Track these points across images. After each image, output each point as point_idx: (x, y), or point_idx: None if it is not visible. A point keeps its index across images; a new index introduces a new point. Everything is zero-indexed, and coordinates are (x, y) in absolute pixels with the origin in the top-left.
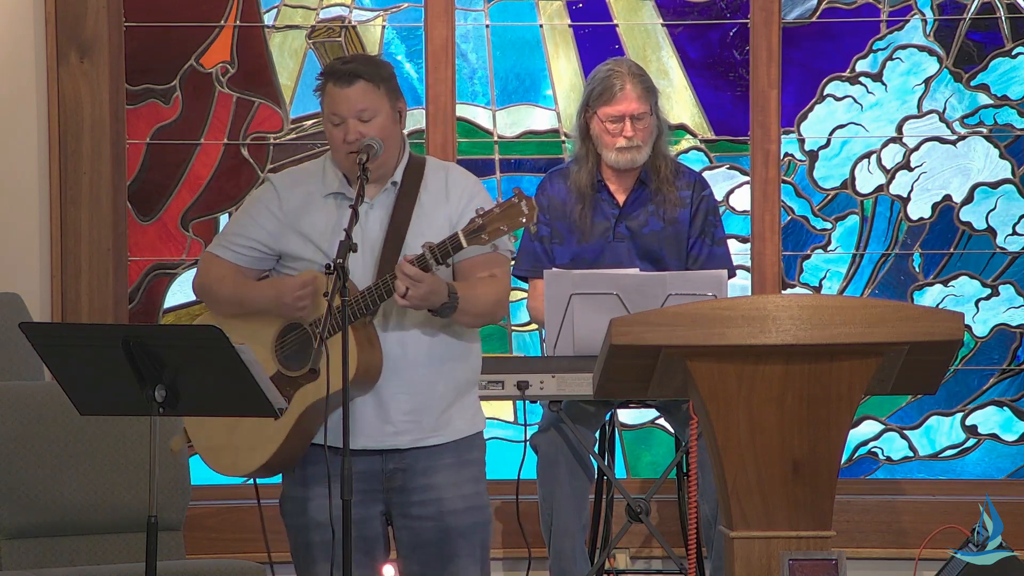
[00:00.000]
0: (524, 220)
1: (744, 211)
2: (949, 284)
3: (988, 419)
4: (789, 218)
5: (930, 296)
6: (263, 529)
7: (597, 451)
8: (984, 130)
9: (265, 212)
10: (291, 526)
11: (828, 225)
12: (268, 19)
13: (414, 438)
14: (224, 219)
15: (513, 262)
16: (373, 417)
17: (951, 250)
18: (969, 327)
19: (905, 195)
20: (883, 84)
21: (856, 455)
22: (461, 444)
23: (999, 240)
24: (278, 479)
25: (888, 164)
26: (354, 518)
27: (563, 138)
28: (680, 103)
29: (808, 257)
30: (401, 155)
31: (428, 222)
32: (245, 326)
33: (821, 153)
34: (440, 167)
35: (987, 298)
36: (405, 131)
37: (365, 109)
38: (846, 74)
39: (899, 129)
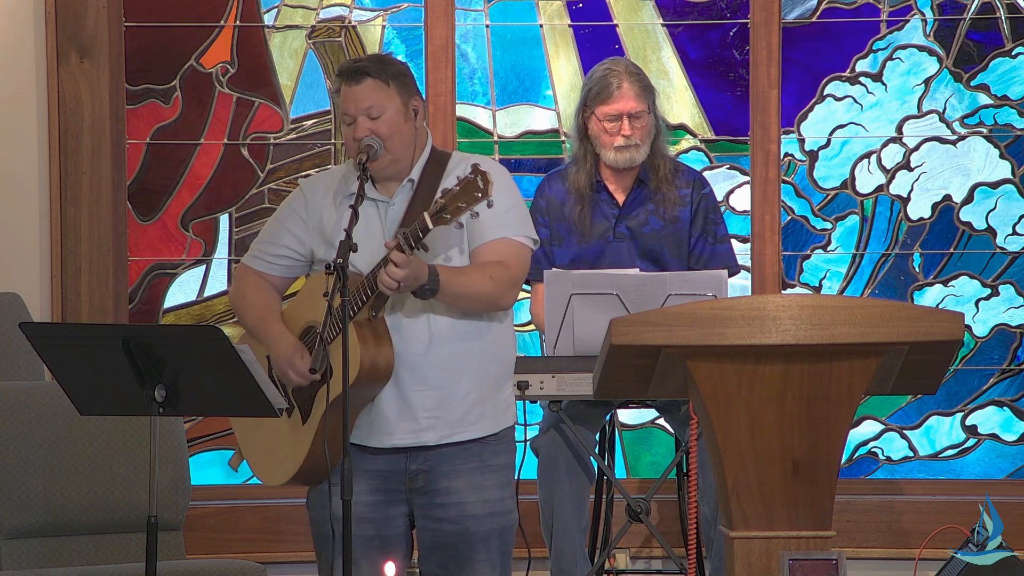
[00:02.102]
0: (480, 195)
1: (744, 211)
2: (949, 284)
3: (988, 419)
4: (789, 218)
5: (930, 296)
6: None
7: (597, 451)
8: (984, 130)
9: (294, 217)
10: (314, 517)
11: (828, 225)
12: (268, 19)
13: (440, 435)
14: (224, 219)
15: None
16: (397, 415)
17: (951, 250)
18: (969, 327)
19: (905, 195)
20: (883, 84)
21: (856, 455)
22: (487, 445)
23: (999, 240)
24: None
25: (888, 164)
26: (373, 517)
27: (563, 138)
28: (680, 103)
29: (808, 257)
30: (420, 152)
31: None
32: None
33: (821, 153)
34: (463, 159)
35: (987, 298)
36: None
37: (372, 106)
38: (846, 74)
39: (899, 129)
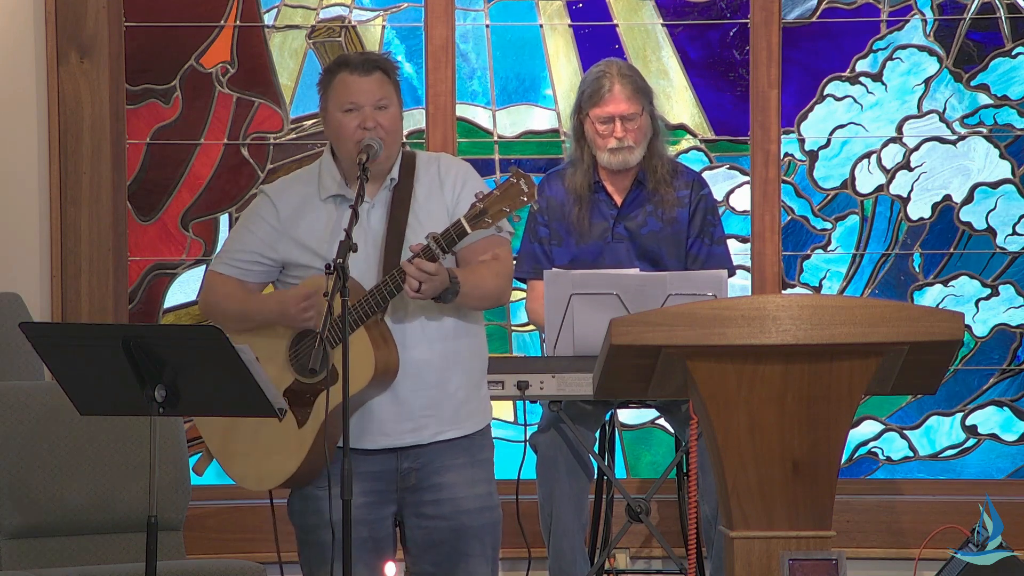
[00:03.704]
0: (525, 199)
1: (744, 211)
2: (949, 284)
3: (988, 419)
4: (789, 218)
5: (930, 296)
6: (274, 529)
7: (597, 451)
8: (984, 130)
9: (262, 223)
10: (303, 525)
11: (828, 225)
12: (268, 19)
13: (434, 432)
14: (224, 219)
15: (514, 251)
16: (392, 415)
17: (951, 250)
18: (969, 327)
19: (905, 195)
20: (883, 84)
21: (856, 455)
22: (474, 441)
23: (999, 240)
24: None
25: (888, 164)
26: (367, 519)
27: (563, 138)
28: (680, 103)
29: (808, 257)
30: (398, 152)
31: (426, 214)
32: (257, 340)
33: (821, 153)
34: (432, 159)
35: (987, 298)
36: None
37: (383, 98)
38: (846, 74)
39: (899, 129)
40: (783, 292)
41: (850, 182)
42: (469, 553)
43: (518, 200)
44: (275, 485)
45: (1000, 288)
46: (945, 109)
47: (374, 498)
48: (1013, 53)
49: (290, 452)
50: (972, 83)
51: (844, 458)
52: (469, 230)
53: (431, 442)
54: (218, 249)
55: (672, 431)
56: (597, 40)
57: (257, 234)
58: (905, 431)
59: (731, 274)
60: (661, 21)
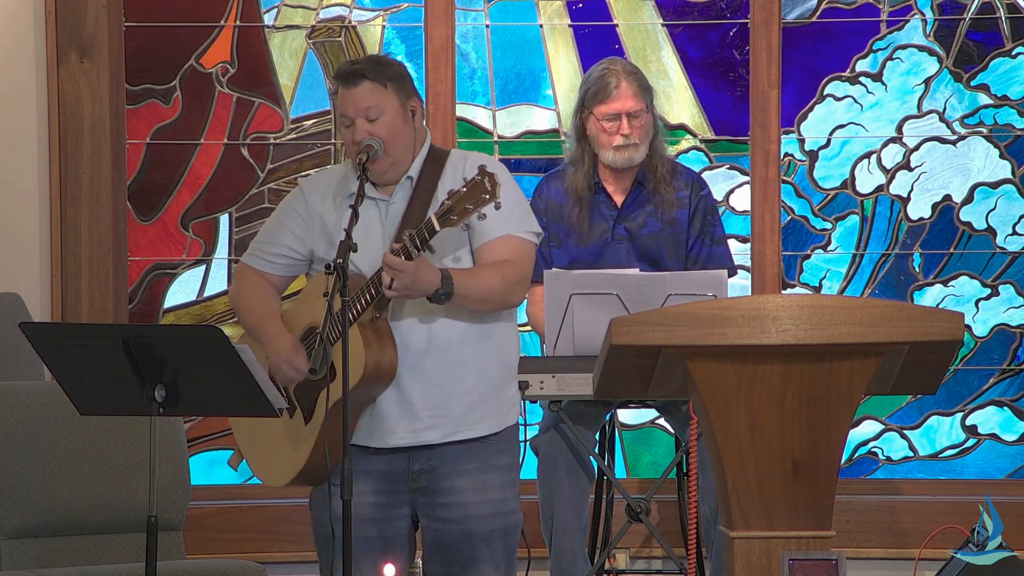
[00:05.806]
0: (488, 197)
1: (744, 211)
2: (949, 284)
3: (988, 419)
4: (789, 218)
5: (930, 296)
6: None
7: (597, 451)
8: (984, 130)
9: (293, 216)
10: (315, 519)
11: (828, 225)
12: (268, 19)
13: (443, 433)
14: (224, 219)
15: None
16: (399, 415)
17: (951, 250)
18: (969, 327)
19: (905, 195)
20: (883, 84)
21: (856, 455)
22: (489, 445)
23: (999, 240)
24: None
25: (888, 164)
26: (376, 518)
27: (563, 138)
28: (680, 103)
29: (808, 257)
30: (418, 150)
31: None
32: None
33: (821, 153)
34: (461, 157)
35: (987, 298)
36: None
37: (370, 108)
38: (846, 74)
39: (899, 129)
40: (783, 292)
41: (850, 182)
42: (478, 558)
43: (481, 198)
44: (286, 482)
45: (1000, 288)
46: (945, 109)
47: (384, 498)
48: (1013, 53)
49: (296, 448)
50: (972, 83)
51: (844, 458)
52: (438, 227)
53: (440, 443)
54: (218, 249)
55: (672, 431)
56: (597, 40)
57: (288, 226)
58: (905, 431)
59: (732, 274)
60: (661, 21)
